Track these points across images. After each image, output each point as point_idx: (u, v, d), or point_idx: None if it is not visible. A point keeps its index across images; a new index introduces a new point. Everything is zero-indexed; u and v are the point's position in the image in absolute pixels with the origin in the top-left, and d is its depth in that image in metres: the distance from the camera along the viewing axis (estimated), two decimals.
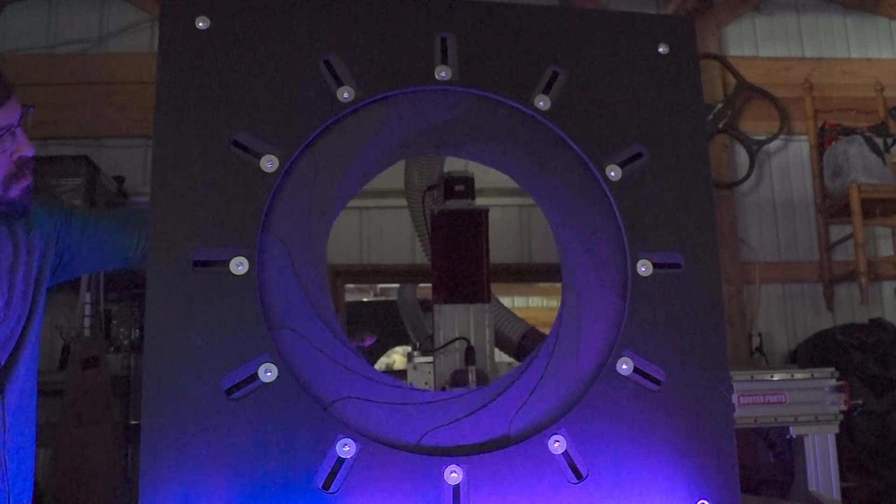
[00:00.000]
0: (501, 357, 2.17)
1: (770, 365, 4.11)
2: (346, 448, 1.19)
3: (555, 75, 1.43)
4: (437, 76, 1.39)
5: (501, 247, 3.91)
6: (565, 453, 1.27)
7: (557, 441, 1.26)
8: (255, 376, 1.22)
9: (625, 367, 1.31)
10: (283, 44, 1.36)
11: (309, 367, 1.25)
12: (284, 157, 1.31)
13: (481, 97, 1.42)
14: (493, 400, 1.29)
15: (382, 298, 5.07)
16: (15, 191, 1.45)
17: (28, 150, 1.46)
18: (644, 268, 1.37)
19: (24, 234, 1.55)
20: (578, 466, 1.27)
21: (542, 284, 4.74)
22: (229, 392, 1.21)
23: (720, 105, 4.41)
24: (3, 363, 1.48)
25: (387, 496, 1.21)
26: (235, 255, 1.26)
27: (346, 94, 1.36)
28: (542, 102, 1.42)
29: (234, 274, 1.25)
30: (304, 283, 1.29)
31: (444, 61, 1.40)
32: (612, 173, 1.40)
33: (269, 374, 1.21)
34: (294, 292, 1.28)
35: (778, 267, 4.39)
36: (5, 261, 1.51)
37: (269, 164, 1.30)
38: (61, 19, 4.30)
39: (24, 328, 1.51)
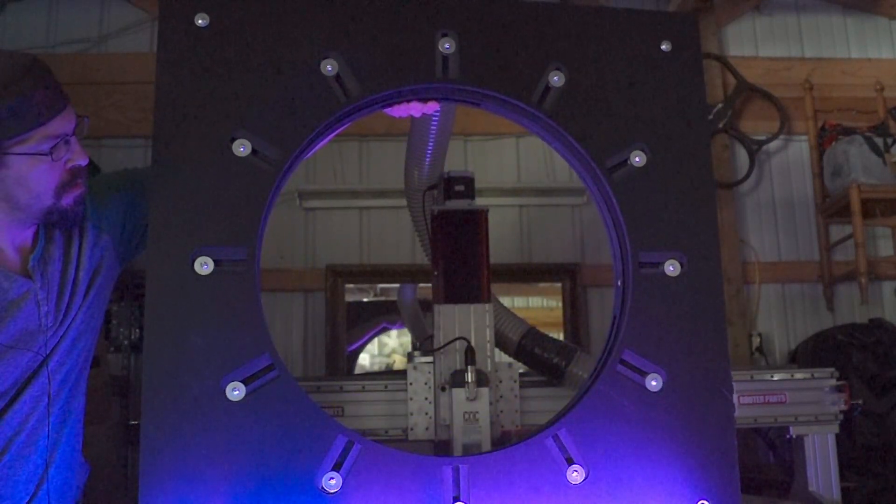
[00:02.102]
0: (501, 357, 2.17)
1: (770, 365, 4.11)
2: (331, 482, 1.19)
3: (557, 72, 1.43)
4: (437, 74, 1.39)
5: (501, 247, 3.91)
6: (565, 453, 1.27)
7: (576, 471, 1.26)
8: (255, 376, 1.22)
9: (654, 383, 1.31)
10: (284, 41, 1.36)
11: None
12: (284, 156, 1.31)
13: (483, 94, 1.41)
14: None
15: (382, 298, 5.07)
16: (68, 199, 1.47)
17: (82, 160, 1.47)
18: (672, 267, 1.37)
19: (77, 232, 1.58)
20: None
21: (542, 284, 4.73)
22: (226, 394, 1.21)
23: (720, 105, 4.41)
24: (54, 362, 1.51)
25: (387, 496, 1.21)
26: (235, 255, 1.26)
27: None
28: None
29: (233, 273, 1.25)
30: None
31: (445, 59, 1.40)
32: (637, 159, 1.40)
33: (236, 392, 1.20)
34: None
35: (778, 267, 4.38)
36: (56, 271, 1.53)
37: (241, 147, 1.30)
38: (61, 19, 4.29)
39: (69, 324, 1.53)
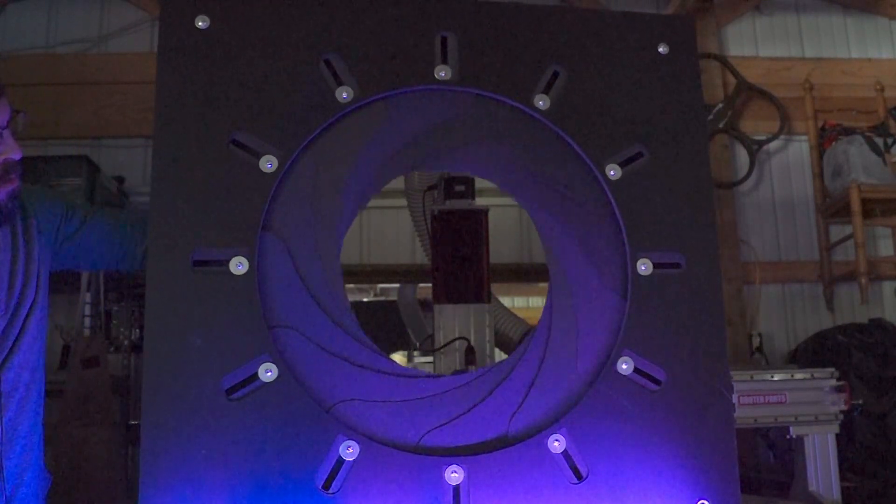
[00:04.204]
0: (501, 357, 2.17)
1: (770, 365, 4.11)
2: (349, 450, 1.19)
3: (555, 75, 1.43)
4: (436, 76, 1.39)
5: (501, 247, 3.91)
6: (565, 453, 1.27)
7: (557, 440, 1.25)
8: (255, 376, 1.22)
9: (625, 366, 1.31)
10: (283, 43, 1.36)
11: (310, 366, 1.25)
12: (284, 157, 1.31)
13: (481, 97, 1.41)
14: (491, 394, 1.28)
15: (382, 298, 5.07)
16: (0, 193, 1.45)
17: (14, 154, 1.45)
18: (644, 266, 1.36)
19: (21, 224, 1.57)
20: (578, 466, 1.27)
21: (542, 284, 4.74)
22: (229, 392, 1.21)
23: (720, 105, 4.41)
24: (3, 354, 1.49)
25: (387, 496, 1.21)
26: (235, 255, 1.26)
27: (345, 94, 1.36)
28: (543, 102, 1.42)
29: (233, 274, 1.25)
30: (307, 282, 1.28)
31: (444, 61, 1.40)
32: (612, 172, 1.40)
33: (269, 373, 1.21)
34: (297, 291, 1.28)
35: (778, 267, 4.39)
36: (5, 256, 1.51)
37: (268, 164, 1.30)
38: (61, 19, 4.30)
39: (26, 317, 1.52)
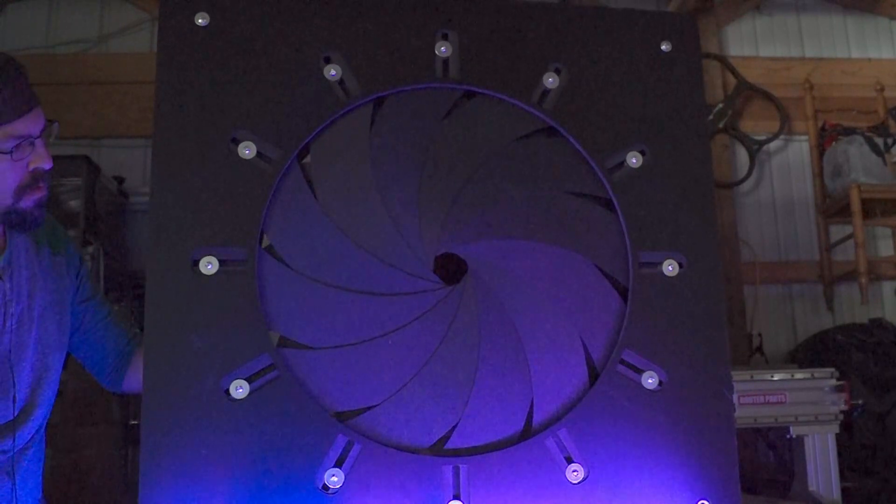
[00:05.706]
0: None
1: (770, 365, 4.11)
2: (333, 479, 1.19)
3: (557, 73, 1.43)
4: (437, 73, 1.39)
5: None
6: (566, 454, 1.27)
7: (575, 471, 1.25)
8: (254, 376, 1.22)
9: (651, 381, 1.31)
10: (284, 41, 1.36)
11: (310, 365, 1.25)
12: (284, 155, 1.31)
13: (482, 95, 1.41)
14: (491, 395, 1.28)
15: None
16: (27, 202, 1.45)
17: (45, 163, 1.46)
18: (671, 267, 1.37)
19: (49, 252, 1.58)
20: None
21: None
22: (229, 392, 1.21)
23: (720, 105, 4.41)
24: (26, 379, 1.51)
25: (387, 497, 1.21)
26: (235, 255, 1.26)
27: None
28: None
29: (233, 273, 1.25)
30: (313, 279, 1.28)
31: (446, 60, 1.40)
32: (633, 160, 1.40)
33: (240, 390, 1.20)
34: (298, 290, 1.28)
35: (778, 267, 4.39)
36: (25, 270, 1.52)
37: (246, 150, 1.30)
38: (61, 19, 4.30)
39: (54, 351, 1.55)
